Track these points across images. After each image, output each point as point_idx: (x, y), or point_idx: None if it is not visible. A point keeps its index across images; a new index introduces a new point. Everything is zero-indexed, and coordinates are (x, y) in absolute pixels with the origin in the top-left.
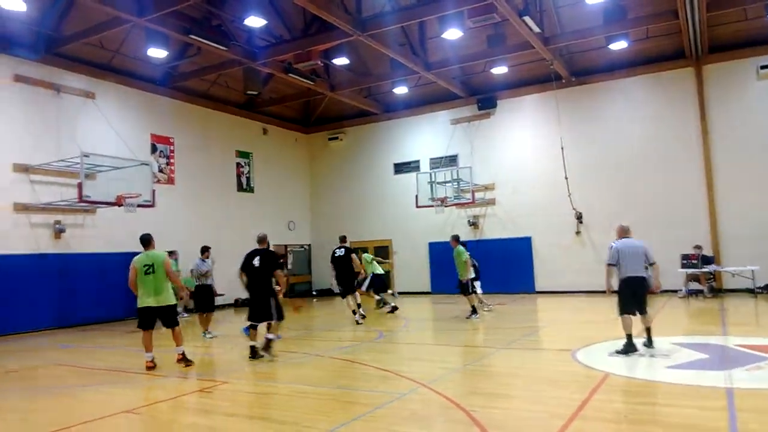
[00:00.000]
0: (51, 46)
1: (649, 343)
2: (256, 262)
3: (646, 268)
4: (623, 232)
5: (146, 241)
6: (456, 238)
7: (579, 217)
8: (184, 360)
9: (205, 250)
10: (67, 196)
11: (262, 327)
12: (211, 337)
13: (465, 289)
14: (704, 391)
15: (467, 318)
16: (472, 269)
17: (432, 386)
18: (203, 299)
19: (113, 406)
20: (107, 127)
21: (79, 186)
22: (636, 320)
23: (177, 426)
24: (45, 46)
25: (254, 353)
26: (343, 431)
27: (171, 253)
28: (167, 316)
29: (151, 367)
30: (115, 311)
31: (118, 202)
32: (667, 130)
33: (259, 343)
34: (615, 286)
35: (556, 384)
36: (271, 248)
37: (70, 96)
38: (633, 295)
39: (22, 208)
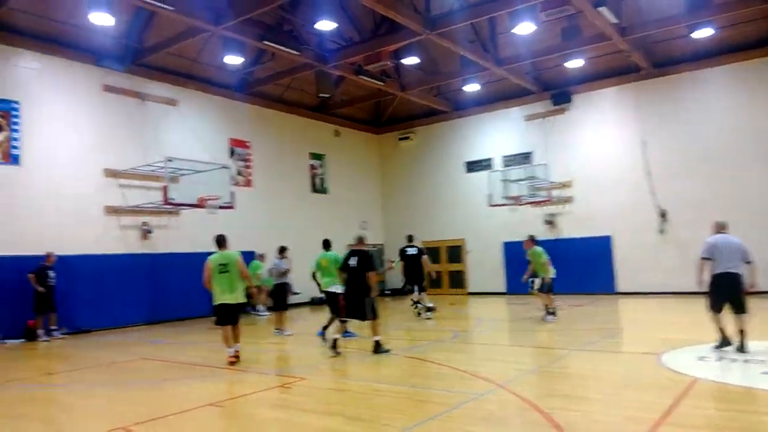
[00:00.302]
0: (136, 57)
1: (742, 348)
2: (353, 262)
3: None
4: (719, 228)
5: (220, 241)
6: (532, 239)
7: (663, 215)
8: (236, 357)
9: (282, 250)
10: (153, 198)
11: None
12: (287, 335)
13: (548, 289)
14: None
15: (544, 319)
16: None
17: (508, 387)
18: (281, 297)
19: (197, 400)
20: (189, 132)
21: (164, 189)
22: (730, 321)
23: (257, 420)
24: (131, 57)
25: (335, 345)
26: (419, 430)
27: (261, 256)
28: (236, 314)
29: (234, 362)
30: (201, 308)
31: (200, 204)
32: (758, 121)
33: (336, 336)
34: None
35: (638, 388)
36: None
37: (155, 104)
38: (726, 292)
39: (112, 210)
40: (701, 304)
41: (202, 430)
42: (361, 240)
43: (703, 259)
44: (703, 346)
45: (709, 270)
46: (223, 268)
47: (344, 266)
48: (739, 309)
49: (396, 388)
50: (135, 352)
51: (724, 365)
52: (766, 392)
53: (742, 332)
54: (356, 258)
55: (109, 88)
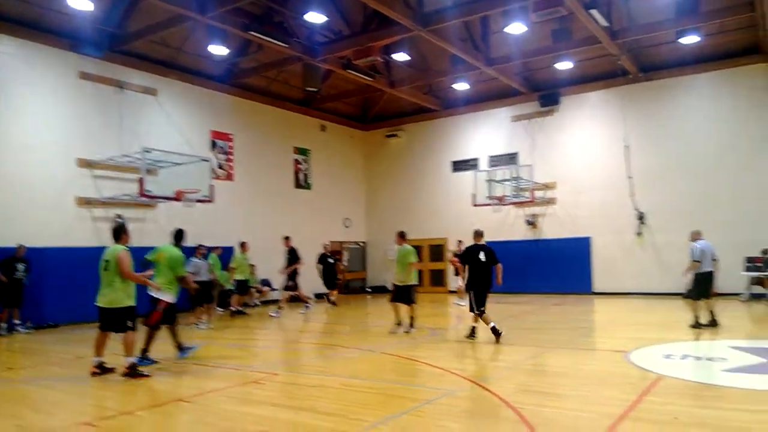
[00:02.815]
0: (115, 43)
1: (715, 323)
2: (482, 257)
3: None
4: (697, 235)
5: (114, 233)
6: (402, 235)
7: (641, 218)
8: (99, 370)
9: (198, 248)
10: (129, 191)
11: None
12: (202, 328)
13: (404, 296)
14: (763, 395)
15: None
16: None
17: (482, 384)
18: (206, 294)
19: (166, 395)
20: (168, 123)
21: (141, 181)
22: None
23: (227, 414)
24: (109, 43)
25: (473, 333)
26: (390, 425)
27: (242, 245)
28: (113, 320)
29: (95, 373)
30: (178, 303)
31: (178, 197)
32: (739, 129)
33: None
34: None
35: (608, 384)
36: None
37: (133, 93)
38: (706, 285)
39: (84, 202)
40: (671, 305)
41: (171, 425)
42: (480, 235)
43: (695, 261)
44: (670, 344)
45: (695, 269)
46: (105, 264)
47: (471, 260)
48: (712, 296)
49: (369, 384)
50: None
51: (688, 363)
52: (726, 388)
53: (713, 312)
54: (484, 253)
55: (85, 76)
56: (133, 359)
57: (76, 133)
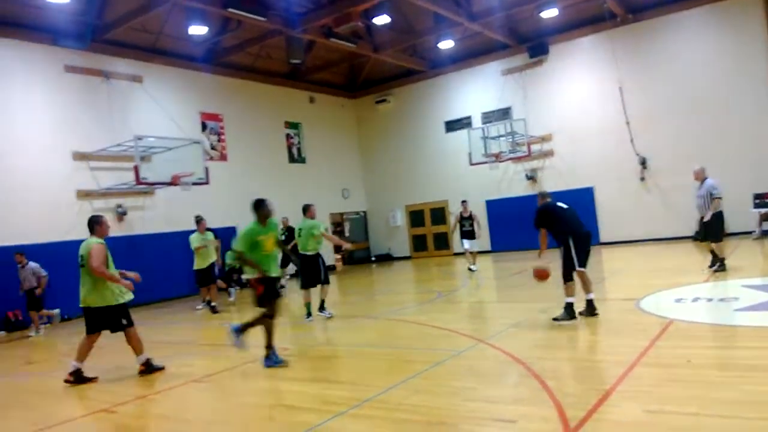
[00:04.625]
0: (96, 34)
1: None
2: (563, 204)
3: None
4: (704, 173)
5: (89, 225)
6: (306, 207)
7: (643, 163)
8: (73, 377)
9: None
10: (125, 179)
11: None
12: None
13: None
14: None
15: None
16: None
17: (491, 342)
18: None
19: (181, 377)
20: (157, 109)
21: (136, 169)
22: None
23: (241, 390)
24: (91, 34)
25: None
26: (401, 388)
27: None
28: (101, 320)
29: (69, 380)
30: (181, 288)
31: (174, 182)
32: (735, 65)
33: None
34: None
35: (618, 333)
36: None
37: (119, 81)
38: (722, 225)
39: (84, 194)
40: (680, 249)
41: (187, 405)
42: (545, 196)
43: (719, 198)
44: (681, 288)
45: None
46: (81, 260)
47: (559, 216)
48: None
49: (379, 350)
50: (116, 335)
51: (700, 305)
52: (738, 327)
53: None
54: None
55: (70, 69)
56: (145, 356)
57: (69, 127)
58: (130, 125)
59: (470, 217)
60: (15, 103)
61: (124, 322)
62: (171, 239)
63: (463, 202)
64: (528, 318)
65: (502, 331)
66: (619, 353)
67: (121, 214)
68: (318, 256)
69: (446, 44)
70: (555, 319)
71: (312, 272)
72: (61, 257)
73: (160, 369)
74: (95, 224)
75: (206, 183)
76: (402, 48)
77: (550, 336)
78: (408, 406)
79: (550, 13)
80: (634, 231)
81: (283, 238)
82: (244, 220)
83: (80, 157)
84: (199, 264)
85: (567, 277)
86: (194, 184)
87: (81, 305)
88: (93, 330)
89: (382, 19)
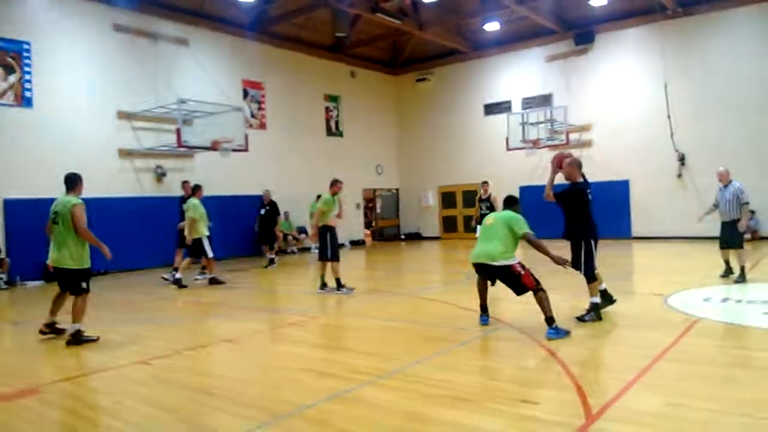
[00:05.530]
0: None
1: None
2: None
3: None
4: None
5: (66, 182)
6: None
7: (681, 159)
8: (48, 329)
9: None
10: (166, 141)
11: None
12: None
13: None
14: None
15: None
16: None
17: (516, 325)
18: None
19: (213, 336)
20: (201, 73)
21: (178, 131)
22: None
23: (269, 353)
24: None
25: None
26: (426, 363)
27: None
28: (68, 281)
29: (44, 332)
30: (216, 250)
31: (214, 147)
32: None
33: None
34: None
35: (645, 326)
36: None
37: (166, 43)
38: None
39: (126, 153)
40: (712, 249)
41: (216, 363)
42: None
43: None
44: (710, 288)
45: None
46: (54, 217)
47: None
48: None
49: (406, 326)
50: (153, 292)
51: (728, 306)
52: (765, 330)
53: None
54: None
55: (119, 28)
56: (78, 325)
57: (115, 86)
58: (174, 88)
59: (488, 199)
60: (67, 60)
61: (84, 285)
62: (207, 202)
63: (484, 183)
64: (556, 305)
65: (529, 315)
66: (644, 346)
67: (160, 175)
68: (327, 229)
69: (492, 26)
70: (579, 319)
71: (321, 245)
72: (100, 212)
73: (93, 340)
74: (78, 181)
75: (245, 150)
76: (447, 27)
77: (577, 324)
78: (434, 381)
79: (599, 2)
80: (667, 227)
81: (262, 212)
82: (280, 188)
83: (124, 116)
84: (202, 232)
85: (592, 277)
86: (233, 150)
87: (54, 265)
88: (65, 289)
89: None
